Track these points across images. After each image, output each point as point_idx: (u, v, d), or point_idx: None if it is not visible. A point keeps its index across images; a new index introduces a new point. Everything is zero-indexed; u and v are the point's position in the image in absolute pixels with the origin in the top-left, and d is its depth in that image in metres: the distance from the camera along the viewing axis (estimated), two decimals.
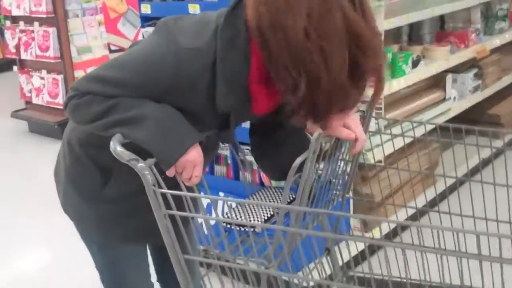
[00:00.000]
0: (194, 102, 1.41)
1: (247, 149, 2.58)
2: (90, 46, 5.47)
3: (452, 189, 2.08)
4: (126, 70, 1.39)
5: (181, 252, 1.41)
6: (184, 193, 1.37)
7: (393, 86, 3.01)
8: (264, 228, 1.46)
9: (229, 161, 2.92)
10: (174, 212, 1.35)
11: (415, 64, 3.20)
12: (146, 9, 2.84)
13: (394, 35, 3.47)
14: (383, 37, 2.77)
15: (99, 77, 1.40)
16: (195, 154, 1.40)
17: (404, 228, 2.83)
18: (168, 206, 1.36)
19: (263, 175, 2.72)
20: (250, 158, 2.72)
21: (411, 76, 3.16)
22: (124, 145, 1.37)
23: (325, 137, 1.46)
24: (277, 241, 1.42)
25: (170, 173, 1.39)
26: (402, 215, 3.05)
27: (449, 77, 3.54)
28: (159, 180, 1.35)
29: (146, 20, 2.87)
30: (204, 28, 1.39)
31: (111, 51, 3.09)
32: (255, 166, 2.79)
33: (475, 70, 3.80)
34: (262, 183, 2.78)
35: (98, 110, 1.39)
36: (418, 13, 3.10)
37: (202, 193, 1.72)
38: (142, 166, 1.34)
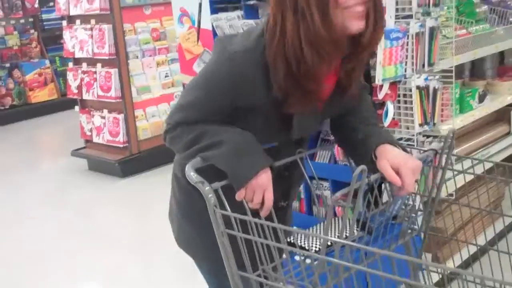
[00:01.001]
0: (260, 104, 1.53)
1: (321, 184, 2.64)
2: (149, 85, 5.64)
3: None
4: (195, 90, 1.57)
5: (237, 268, 1.51)
6: (239, 215, 1.45)
7: (461, 121, 3.05)
8: (313, 257, 1.51)
9: (302, 196, 2.97)
10: (233, 232, 1.45)
11: (481, 98, 3.24)
12: None
13: (457, 70, 3.51)
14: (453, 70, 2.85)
15: (179, 106, 1.59)
16: (264, 178, 1.50)
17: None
18: (229, 226, 1.46)
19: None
20: (326, 193, 2.80)
21: (478, 111, 3.20)
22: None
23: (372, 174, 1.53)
24: (321, 270, 1.47)
25: (238, 196, 1.50)
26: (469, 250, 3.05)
27: None
28: (224, 202, 1.47)
29: None
30: (251, 32, 1.56)
31: None
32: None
33: None
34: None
35: (189, 139, 1.56)
36: (483, 49, 3.16)
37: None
38: (207, 189, 1.46)
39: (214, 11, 2.95)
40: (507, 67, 3.85)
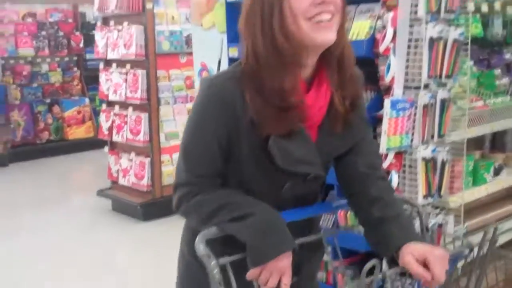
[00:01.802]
0: (245, 137, 1.51)
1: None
2: (178, 132, 5.73)
3: None
4: (189, 131, 1.57)
5: None
6: None
7: (472, 194, 3.00)
8: None
9: (330, 268, 2.80)
10: None
11: (497, 172, 3.19)
12: None
13: (476, 141, 3.47)
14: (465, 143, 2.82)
15: (182, 156, 1.58)
16: (285, 262, 1.44)
17: None
18: None
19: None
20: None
21: (493, 184, 3.15)
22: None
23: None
24: None
25: (251, 274, 1.44)
26: None
27: None
28: (230, 279, 1.42)
29: None
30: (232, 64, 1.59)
31: None
32: None
33: None
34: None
35: (208, 212, 1.52)
36: (501, 122, 3.13)
37: None
38: (213, 264, 1.41)
39: None
40: None
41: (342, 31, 1.50)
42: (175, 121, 5.73)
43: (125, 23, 5.45)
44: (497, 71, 3.22)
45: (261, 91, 1.45)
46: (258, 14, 1.45)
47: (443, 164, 2.70)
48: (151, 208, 5.54)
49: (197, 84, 3.21)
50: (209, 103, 1.50)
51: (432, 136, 2.60)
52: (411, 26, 2.40)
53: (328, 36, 1.44)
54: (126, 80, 5.54)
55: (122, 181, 5.77)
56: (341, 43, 1.50)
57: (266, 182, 1.57)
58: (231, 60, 3.00)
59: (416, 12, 2.38)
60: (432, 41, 2.41)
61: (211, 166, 1.55)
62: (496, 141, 3.68)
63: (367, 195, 1.63)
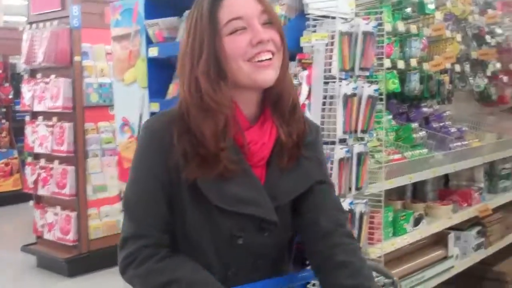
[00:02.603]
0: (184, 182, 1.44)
1: None
2: (106, 185, 5.63)
3: None
4: (132, 181, 1.50)
5: None
6: None
7: (392, 244, 3.05)
8: None
9: None
10: None
11: (416, 222, 3.26)
12: None
13: (398, 191, 3.56)
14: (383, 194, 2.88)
15: (125, 208, 1.51)
16: None
17: None
18: None
19: None
20: None
21: (413, 234, 3.21)
22: None
23: None
24: None
25: None
26: None
27: (451, 236, 3.58)
28: None
29: None
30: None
31: (121, 199, 3.21)
32: None
33: (478, 228, 3.84)
34: None
35: (155, 285, 1.42)
36: (420, 173, 3.22)
37: None
38: None
39: None
40: (449, 191, 3.91)
41: (283, 69, 1.49)
42: (103, 173, 5.62)
43: (53, 76, 5.37)
44: (414, 125, 3.32)
45: (188, 134, 1.43)
46: (188, 60, 1.44)
47: (361, 216, 2.75)
48: (77, 263, 5.37)
49: (119, 140, 3.18)
50: (146, 146, 1.47)
51: (350, 189, 2.64)
52: (325, 83, 2.46)
53: (269, 76, 1.44)
54: (52, 133, 5.43)
55: (47, 235, 5.58)
56: (283, 81, 1.49)
57: (213, 231, 1.46)
58: (153, 115, 2.98)
59: (330, 70, 2.45)
60: (346, 98, 2.48)
61: (158, 215, 1.46)
62: (417, 191, 3.78)
63: (333, 258, 1.49)
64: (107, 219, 5.60)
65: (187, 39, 1.45)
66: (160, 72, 3.01)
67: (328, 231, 1.53)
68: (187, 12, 2.86)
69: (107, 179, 5.64)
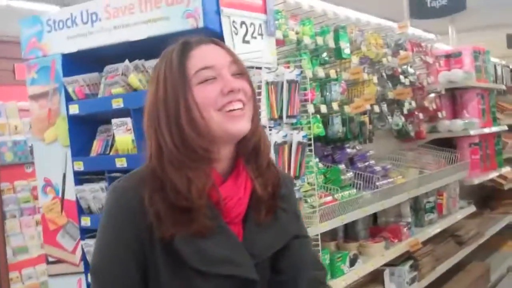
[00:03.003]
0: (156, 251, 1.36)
1: None
2: (27, 246, 5.36)
3: None
4: (100, 249, 1.41)
5: None
6: None
7: (333, 286, 3.05)
8: None
9: None
10: None
11: (352, 262, 3.28)
12: (86, 221, 2.87)
13: (330, 233, 3.58)
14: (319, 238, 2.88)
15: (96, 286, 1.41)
16: None
17: None
18: None
19: None
20: None
21: (350, 275, 3.22)
22: None
23: None
24: None
25: None
26: None
27: (387, 272, 3.63)
28: None
29: (85, 232, 2.88)
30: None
31: (48, 262, 3.04)
32: None
33: (410, 262, 3.91)
34: None
35: None
36: (351, 214, 3.25)
37: None
38: None
39: (78, 182, 2.89)
40: (379, 228, 3.97)
41: (256, 118, 1.45)
42: (23, 234, 5.35)
43: None
44: (341, 166, 3.37)
45: (161, 191, 1.34)
46: (162, 111, 1.36)
47: None
48: None
49: (41, 201, 3.03)
50: (114, 212, 1.38)
51: None
52: None
53: (242, 126, 1.39)
54: None
55: None
56: (256, 131, 1.44)
57: None
58: (77, 174, 2.88)
59: (259, 120, 2.44)
60: (277, 146, 2.48)
61: (128, 283, 1.37)
62: (349, 231, 3.81)
63: None
64: (30, 282, 5.30)
65: (156, 91, 1.39)
66: (82, 129, 2.91)
67: None
68: (108, 67, 2.80)
69: (27, 240, 5.38)
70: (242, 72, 1.43)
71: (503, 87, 6.32)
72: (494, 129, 5.62)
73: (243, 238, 1.42)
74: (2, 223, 5.17)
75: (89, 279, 1.46)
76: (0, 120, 5.25)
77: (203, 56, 1.39)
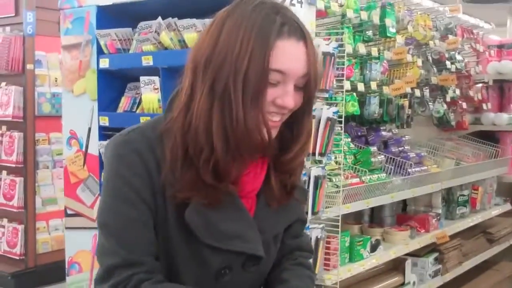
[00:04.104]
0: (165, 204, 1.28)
1: None
2: (56, 197, 5.42)
3: None
4: (108, 207, 1.30)
5: None
6: None
7: (349, 271, 2.97)
8: None
9: None
10: None
11: (373, 248, 3.19)
12: None
13: (355, 215, 3.49)
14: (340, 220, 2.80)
15: (105, 239, 1.30)
16: None
17: None
18: None
19: None
20: None
21: (369, 261, 3.13)
22: None
23: None
24: None
25: None
26: None
27: (409, 262, 3.52)
28: None
29: None
30: (147, 121, 1.37)
31: (67, 215, 3.04)
32: None
33: (435, 254, 3.80)
34: None
35: None
36: (378, 198, 3.15)
37: None
38: None
39: (103, 137, 2.86)
40: (407, 216, 3.86)
41: (302, 137, 1.34)
42: (54, 186, 5.41)
43: (3, 83, 5.16)
44: (373, 148, 3.26)
45: (189, 156, 1.24)
46: (228, 61, 1.20)
47: (318, 241, 2.66)
48: (24, 278, 5.13)
49: (65, 153, 3.02)
50: (128, 166, 1.26)
51: (306, 213, 2.55)
52: None
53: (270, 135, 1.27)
54: (1, 142, 5.21)
55: None
56: (300, 153, 1.34)
57: (199, 266, 1.32)
58: (102, 129, 2.86)
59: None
60: None
61: (149, 241, 1.29)
62: (375, 215, 3.72)
63: (276, 276, 1.46)
64: (56, 233, 5.38)
65: (233, 42, 1.21)
66: (111, 84, 2.88)
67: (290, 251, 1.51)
68: (142, 23, 2.74)
69: (57, 191, 5.43)
70: (306, 87, 1.28)
71: None
72: None
73: (255, 214, 1.36)
74: (34, 172, 5.24)
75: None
76: (41, 71, 5.27)
77: (286, 55, 1.22)
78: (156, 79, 2.61)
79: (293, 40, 1.23)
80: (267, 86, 1.22)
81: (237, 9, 1.25)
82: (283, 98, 1.24)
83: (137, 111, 2.80)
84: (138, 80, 2.77)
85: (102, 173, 1.37)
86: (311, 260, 1.59)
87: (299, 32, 1.25)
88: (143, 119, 2.65)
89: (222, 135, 1.21)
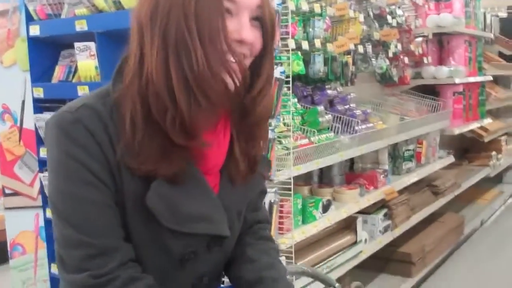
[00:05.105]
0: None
1: None
2: None
3: None
4: (63, 196, 1.16)
5: None
6: None
7: (303, 233, 2.93)
8: None
9: None
10: None
11: (325, 209, 3.16)
12: (45, 152, 2.69)
13: (305, 177, 3.45)
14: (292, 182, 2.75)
15: (66, 231, 1.16)
16: None
17: None
18: None
19: None
20: None
21: (322, 221, 3.11)
22: None
23: None
24: None
25: None
26: None
27: (360, 220, 3.53)
28: None
29: (44, 164, 2.70)
30: (91, 92, 1.24)
31: (6, 194, 2.87)
32: None
33: (384, 210, 3.81)
34: None
35: None
36: (327, 158, 3.11)
37: None
38: None
39: (38, 110, 2.69)
40: (355, 174, 3.85)
41: (262, 78, 1.22)
42: None
43: None
44: (320, 108, 3.20)
45: (151, 119, 1.13)
46: (189, 17, 1.09)
47: (271, 205, 2.60)
48: None
49: (0, 130, 2.83)
50: (75, 143, 1.12)
51: None
52: None
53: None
54: None
55: None
56: (261, 93, 1.22)
57: (161, 252, 1.23)
58: (37, 101, 2.68)
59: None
60: None
61: (118, 223, 1.18)
62: (324, 175, 3.69)
63: (242, 254, 1.40)
64: None
65: None
66: (43, 53, 2.69)
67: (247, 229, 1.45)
68: None
69: None
70: (263, 19, 1.18)
71: (491, 35, 6.14)
72: (479, 78, 5.47)
73: (219, 191, 1.27)
74: None
75: (49, 216, 1.24)
76: None
77: None
78: (91, 44, 2.45)
79: None
80: (224, 21, 1.11)
81: None
82: (240, 31, 1.14)
83: (74, 80, 2.63)
84: (72, 47, 2.59)
85: (46, 153, 1.21)
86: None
87: None
88: (81, 88, 2.50)
89: (183, 86, 1.10)
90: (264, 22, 1.18)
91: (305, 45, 3.08)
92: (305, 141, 2.98)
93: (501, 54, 6.96)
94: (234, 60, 1.13)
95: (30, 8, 2.63)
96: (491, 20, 6.31)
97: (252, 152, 1.29)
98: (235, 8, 1.14)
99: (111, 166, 1.15)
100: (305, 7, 3.06)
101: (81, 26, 2.45)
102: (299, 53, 3.02)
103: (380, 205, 3.80)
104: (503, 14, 7.29)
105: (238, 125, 1.25)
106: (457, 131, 4.99)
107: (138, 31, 1.15)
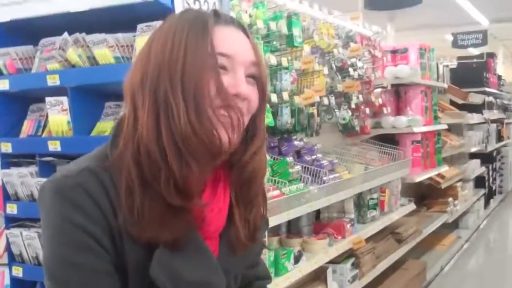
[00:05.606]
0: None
1: None
2: None
3: None
4: (66, 266, 1.10)
5: None
6: None
7: (276, 284, 2.91)
8: None
9: None
10: None
11: (297, 260, 3.16)
12: (12, 208, 2.61)
13: (273, 228, 3.44)
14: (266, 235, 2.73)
15: None
16: None
17: None
18: None
19: None
20: None
21: (294, 273, 3.10)
22: None
23: None
24: None
25: None
26: None
27: (330, 270, 3.53)
28: None
29: (11, 220, 2.63)
30: (87, 155, 1.19)
31: None
32: None
33: (352, 260, 3.83)
34: None
35: None
36: (297, 209, 3.12)
37: None
38: None
39: (5, 165, 2.62)
40: (322, 224, 3.86)
41: (257, 139, 1.21)
42: None
43: None
44: (289, 159, 3.23)
45: (147, 183, 1.09)
46: (176, 78, 1.08)
47: None
48: None
49: None
50: (77, 208, 1.08)
51: None
52: None
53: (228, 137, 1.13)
54: None
55: None
56: (256, 155, 1.20)
57: None
58: (4, 156, 2.62)
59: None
60: None
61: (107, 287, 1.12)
62: (292, 226, 3.69)
63: None
64: None
65: (168, 51, 1.10)
66: (12, 107, 2.64)
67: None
68: (43, 40, 2.54)
69: None
70: (259, 79, 1.18)
71: (445, 85, 6.36)
72: (435, 127, 5.64)
73: (218, 255, 1.22)
74: None
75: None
76: None
77: (226, 39, 1.13)
78: (64, 99, 2.41)
79: (232, 28, 1.15)
80: (218, 76, 1.10)
81: (163, 24, 1.17)
82: (236, 86, 1.12)
83: (43, 135, 2.58)
84: (41, 101, 2.56)
85: (41, 219, 1.15)
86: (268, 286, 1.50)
87: (236, 23, 1.18)
88: (51, 143, 2.45)
89: (172, 145, 1.08)
90: (260, 80, 1.18)
91: (274, 97, 3.12)
92: (277, 192, 2.99)
93: (452, 103, 7.21)
94: (226, 114, 1.11)
95: (0, 63, 2.59)
96: (443, 71, 6.55)
97: (251, 217, 1.25)
98: (230, 63, 1.13)
99: (113, 232, 1.11)
100: (273, 60, 3.12)
101: (53, 80, 2.41)
102: (268, 105, 3.06)
103: (348, 254, 3.82)
104: (454, 64, 7.57)
105: (236, 188, 1.23)
106: (417, 179, 5.10)
107: (130, 96, 1.14)
